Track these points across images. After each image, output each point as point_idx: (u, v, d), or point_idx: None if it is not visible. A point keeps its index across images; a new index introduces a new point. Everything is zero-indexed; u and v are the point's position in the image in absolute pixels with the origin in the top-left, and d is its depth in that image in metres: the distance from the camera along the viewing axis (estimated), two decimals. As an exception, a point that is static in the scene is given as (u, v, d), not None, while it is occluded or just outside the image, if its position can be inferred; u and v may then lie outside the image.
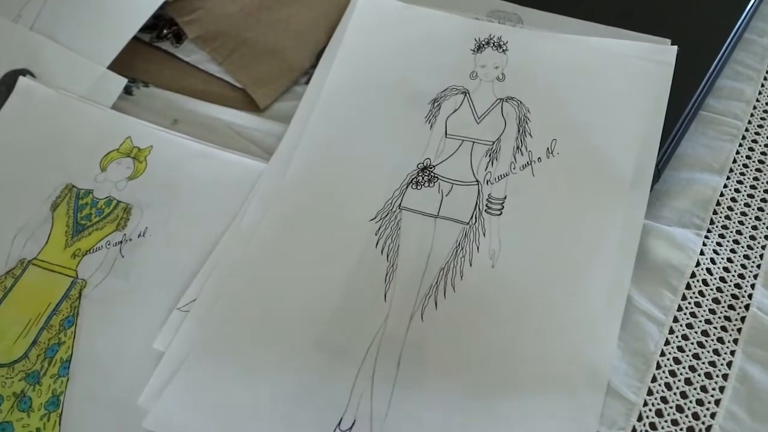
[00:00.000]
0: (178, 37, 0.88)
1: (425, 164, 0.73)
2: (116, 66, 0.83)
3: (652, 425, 0.60)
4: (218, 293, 0.68)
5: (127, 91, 0.84)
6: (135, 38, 0.85)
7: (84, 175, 0.77)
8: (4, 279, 0.70)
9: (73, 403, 0.64)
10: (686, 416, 0.61)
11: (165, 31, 0.89)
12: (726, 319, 0.65)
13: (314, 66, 0.83)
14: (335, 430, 0.60)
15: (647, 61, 0.75)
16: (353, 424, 0.61)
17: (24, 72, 0.82)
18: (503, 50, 0.79)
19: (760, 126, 0.77)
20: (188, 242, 0.72)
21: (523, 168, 0.72)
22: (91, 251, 0.72)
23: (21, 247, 0.72)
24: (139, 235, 0.72)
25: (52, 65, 0.83)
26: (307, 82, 0.82)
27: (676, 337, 0.64)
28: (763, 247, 0.69)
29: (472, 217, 0.70)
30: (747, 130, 0.77)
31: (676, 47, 0.75)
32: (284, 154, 0.76)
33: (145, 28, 0.86)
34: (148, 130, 0.79)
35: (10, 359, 0.66)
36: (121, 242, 0.72)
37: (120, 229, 0.73)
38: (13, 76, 0.82)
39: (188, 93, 0.84)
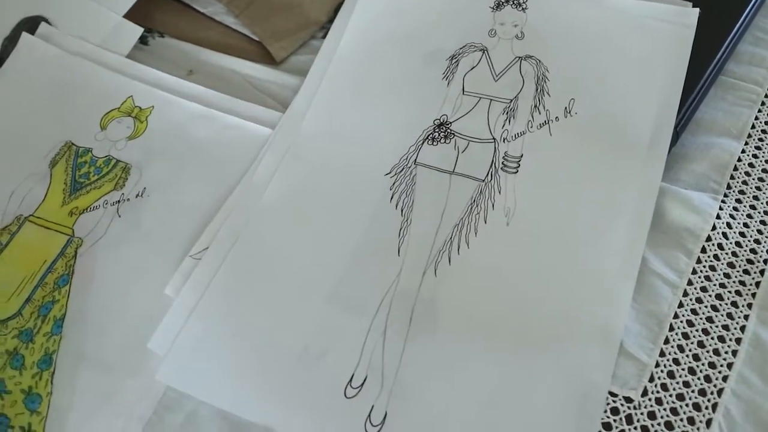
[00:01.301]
0: (196, -12, 0.88)
1: (442, 120, 0.73)
2: (132, 15, 0.83)
3: (664, 386, 0.60)
4: (231, 242, 0.68)
5: (143, 40, 0.84)
6: (152, -13, 0.85)
7: (84, 133, 0.76)
8: (-1, 235, 0.70)
9: (66, 362, 0.64)
10: (698, 378, 0.60)
11: (182, -19, 0.88)
12: (741, 284, 0.65)
13: (331, 20, 0.83)
14: (346, 387, 0.60)
15: (668, 22, 0.74)
16: (365, 380, 0.61)
17: (40, 19, 0.81)
18: (522, 8, 0.78)
19: (781, 92, 0.77)
20: (187, 204, 0.71)
21: (541, 127, 0.71)
22: (89, 210, 0.71)
23: (18, 204, 0.72)
24: (137, 195, 0.72)
25: (67, 12, 0.83)
26: (324, 37, 0.81)
27: (690, 299, 0.64)
28: (780, 213, 0.69)
29: (487, 174, 0.69)
30: (767, 96, 0.76)
31: (697, 9, 0.75)
32: (300, 107, 0.76)
33: (162, -22, 0.86)
34: (151, 91, 0.78)
35: (3, 316, 0.66)
36: (118, 202, 0.72)
37: (118, 189, 0.72)
38: (29, 23, 0.81)
39: (204, 44, 0.84)
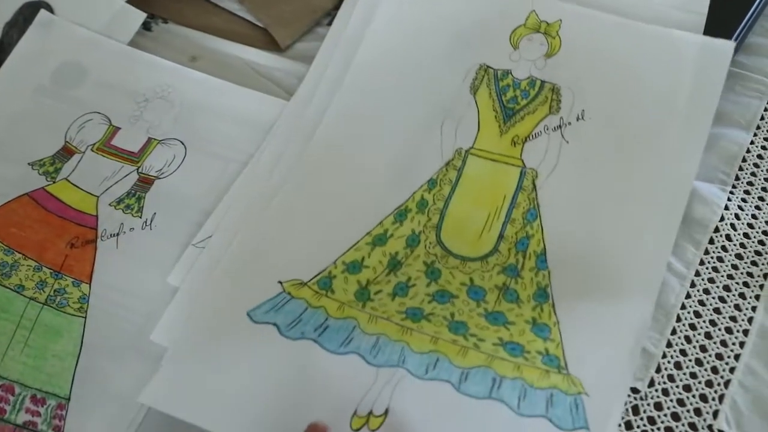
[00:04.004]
0: (199, -26, 0.87)
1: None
2: (135, 1, 0.82)
3: (671, 377, 0.60)
4: (234, 232, 0.67)
5: (146, 26, 0.83)
6: (155, -27, 0.84)
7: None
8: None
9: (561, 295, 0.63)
10: (705, 369, 0.60)
11: (186, -33, 0.88)
12: (748, 275, 0.65)
13: (337, 7, 0.82)
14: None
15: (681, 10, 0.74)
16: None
17: (41, 4, 0.81)
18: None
19: (789, 83, 0.76)
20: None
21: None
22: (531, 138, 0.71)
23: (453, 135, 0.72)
24: (577, 119, 0.71)
25: (69, -3, 0.82)
26: (330, 24, 0.81)
27: (698, 291, 0.64)
28: (789, 205, 0.69)
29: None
30: (776, 87, 0.76)
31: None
32: (305, 94, 0.75)
33: (165, -37, 0.85)
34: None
35: (480, 253, 0.65)
36: (560, 126, 0.71)
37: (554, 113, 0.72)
38: (30, 8, 0.80)
39: (208, 31, 0.83)
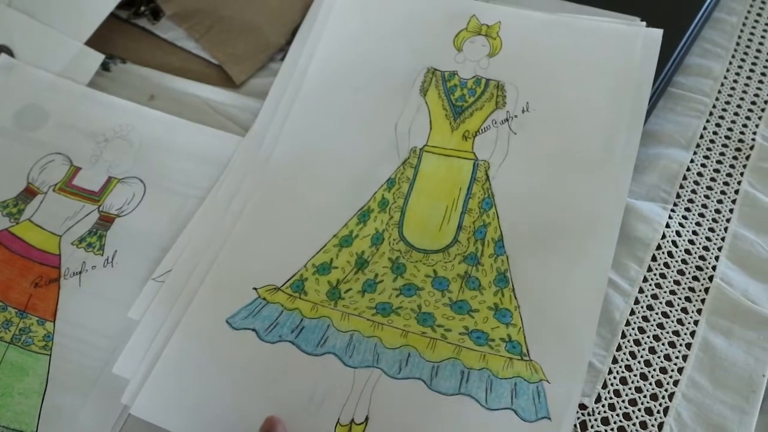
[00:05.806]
0: (156, 14, 0.89)
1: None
2: (94, 42, 0.84)
3: (617, 392, 0.62)
4: (194, 265, 0.68)
5: (105, 67, 0.85)
6: (112, 15, 0.86)
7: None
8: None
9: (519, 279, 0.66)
10: (650, 384, 0.62)
11: (142, 8, 0.89)
12: (690, 290, 0.67)
13: (289, 43, 0.84)
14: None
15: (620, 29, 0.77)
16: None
17: (1, 48, 0.82)
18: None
19: (728, 103, 0.78)
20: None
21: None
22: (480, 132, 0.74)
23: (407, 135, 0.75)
24: (522, 111, 0.75)
25: (29, 41, 0.84)
26: (283, 59, 0.83)
27: (641, 307, 0.66)
28: (728, 221, 0.71)
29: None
30: (714, 106, 0.78)
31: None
32: (260, 129, 0.77)
33: (122, 5, 0.87)
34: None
35: (442, 245, 0.68)
36: (507, 120, 0.74)
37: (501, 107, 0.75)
38: (-9, 52, 0.82)
39: (165, 69, 0.85)
